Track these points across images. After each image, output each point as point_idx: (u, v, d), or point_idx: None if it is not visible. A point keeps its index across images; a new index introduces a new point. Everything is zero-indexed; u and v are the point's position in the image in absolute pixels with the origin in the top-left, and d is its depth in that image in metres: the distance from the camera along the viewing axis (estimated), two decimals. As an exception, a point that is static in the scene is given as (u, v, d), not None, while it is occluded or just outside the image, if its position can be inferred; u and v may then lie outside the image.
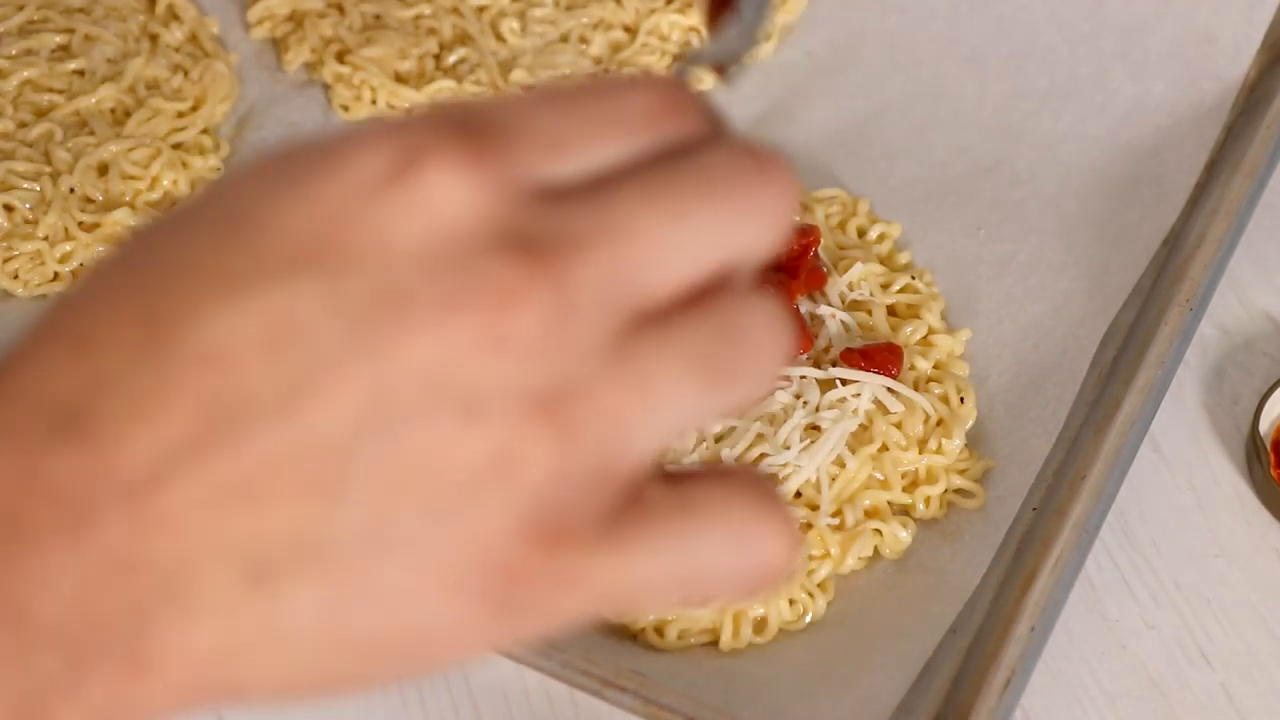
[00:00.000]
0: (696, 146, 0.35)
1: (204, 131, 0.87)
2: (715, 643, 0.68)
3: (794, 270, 0.75)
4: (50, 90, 0.85)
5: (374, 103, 0.88)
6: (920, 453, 0.73)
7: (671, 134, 0.35)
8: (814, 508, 0.70)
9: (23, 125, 0.84)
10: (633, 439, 0.33)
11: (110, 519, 0.31)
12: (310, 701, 0.34)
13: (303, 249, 0.32)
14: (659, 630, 0.68)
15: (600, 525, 0.33)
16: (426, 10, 0.90)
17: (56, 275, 0.80)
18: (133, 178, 0.83)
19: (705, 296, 0.34)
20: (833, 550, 0.70)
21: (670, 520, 0.34)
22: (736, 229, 0.34)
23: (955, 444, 0.73)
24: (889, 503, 0.71)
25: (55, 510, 0.31)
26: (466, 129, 0.33)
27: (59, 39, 0.87)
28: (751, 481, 0.35)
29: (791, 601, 0.69)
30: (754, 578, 0.35)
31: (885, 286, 0.78)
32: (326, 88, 0.90)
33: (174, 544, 0.32)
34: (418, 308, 0.32)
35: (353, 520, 0.32)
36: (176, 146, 0.85)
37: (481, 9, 0.90)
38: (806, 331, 0.74)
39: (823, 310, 0.76)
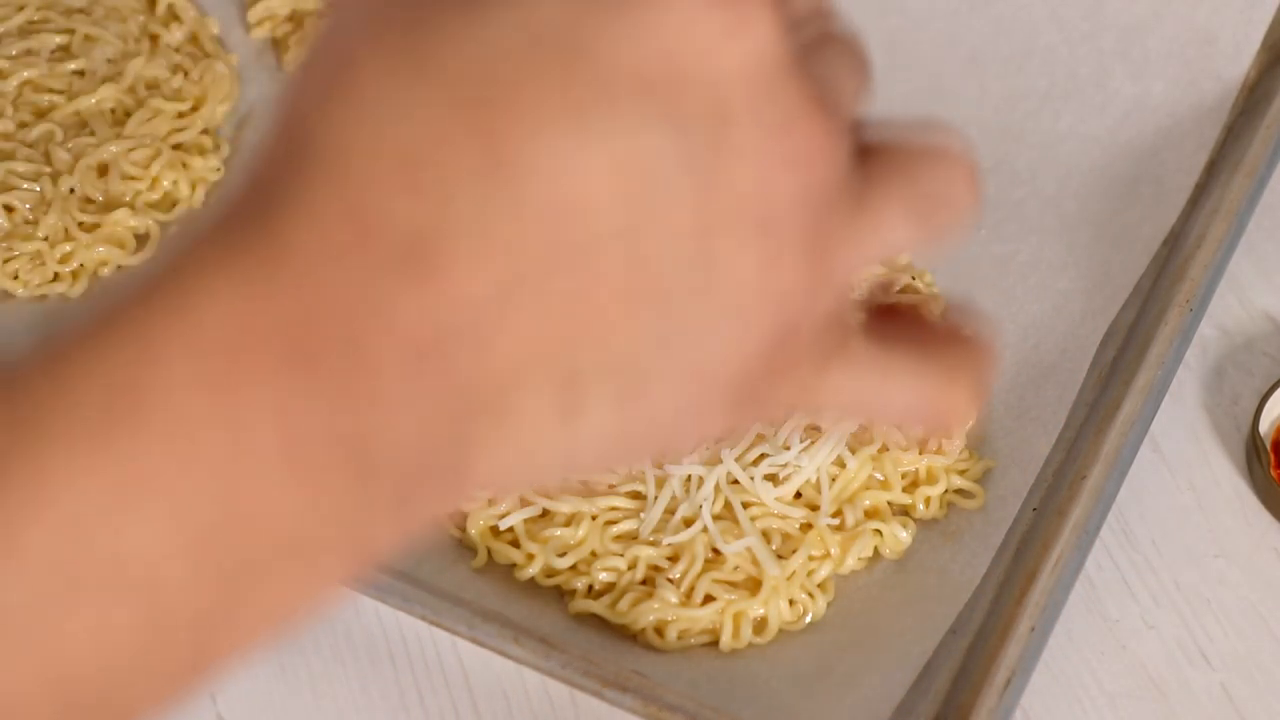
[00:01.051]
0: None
1: (204, 132, 0.87)
2: (715, 643, 0.68)
3: (794, 270, 0.75)
4: (50, 91, 0.85)
5: (374, 103, 0.88)
6: (920, 453, 0.72)
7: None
8: (814, 508, 0.70)
9: (23, 125, 0.84)
10: (858, 281, 0.37)
11: (453, 353, 0.31)
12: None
13: (645, 82, 0.32)
14: (659, 630, 0.68)
15: (820, 359, 0.36)
16: (426, 10, 0.90)
17: (56, 275, 0.81)
18: (133, 178, 0.83)
19: (904, 152, 0.38)
20: (833, 550, 0.70)
21: (868, 375, 0.38)
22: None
23: (955, 444, 0.73)
24: (889, 503, 0.71)
25: (399, 343, 0.31)
26: None
27: (59, 39, 0.87)
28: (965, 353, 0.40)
29: (791, 602, 0.69)
30: (929, 426, 0.40)
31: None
32: (326, 88, 0.90)
33: (507, 370, 0.32)
34: (745, 137, 0.33)
35: (651, 333, 0.33)
36: (177, 147, 0.85)
37: (481, 9, 0.90)
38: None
39: (823, 310, 0.75)
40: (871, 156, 0.37)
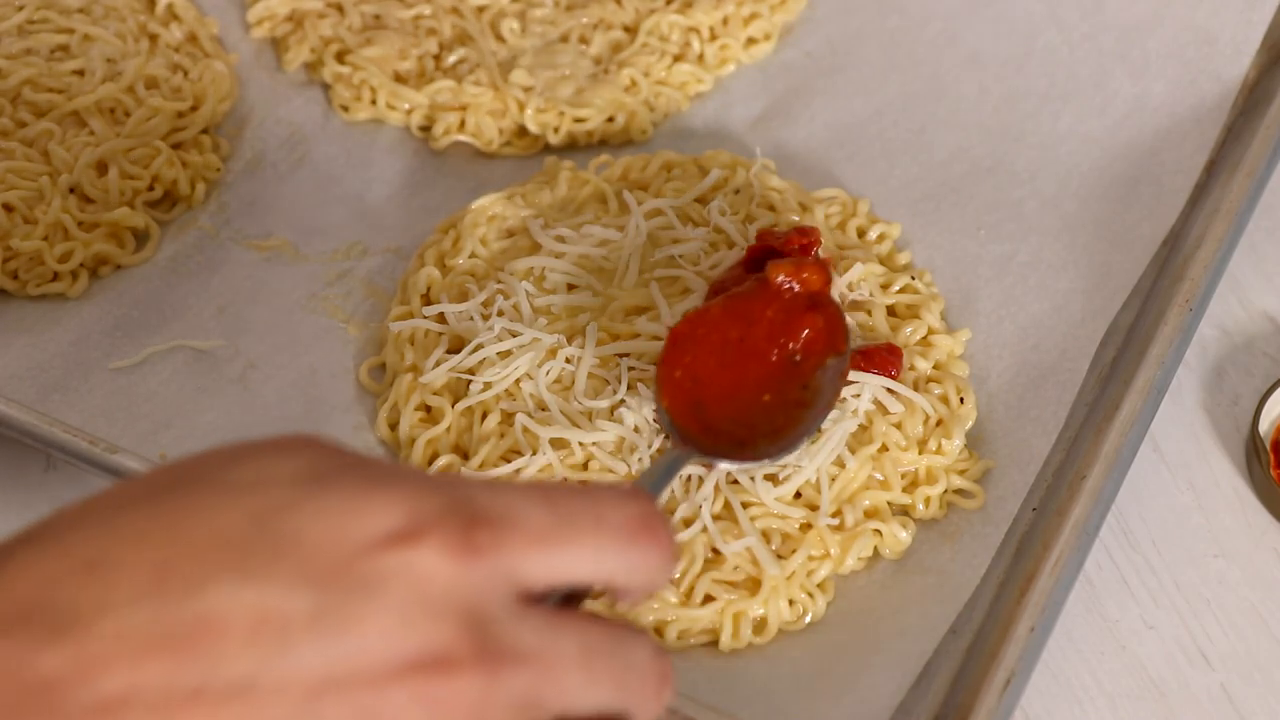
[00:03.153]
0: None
1: (204, 131, 0.87)
2: (715, 643, 0.68)
3: (794, 270, 0.75)
4: (49, 89, 0.85)
5: (374, 103, 0.88)
6: (920, 453, 0.72)
7: (637, 558, 0.44)
8: (814, 508, 0.70)
9: (22, 124, 0.84)
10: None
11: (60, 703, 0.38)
12: None
13: (308, 566, 0.40)
14: (659, 630, 0.68)
15: None
16: (426, 10, 0.90)
17: (56, 275, 0.80)
18: (132, 177, 0.83)
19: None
20: (833, 550, 0.70)
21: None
22: (644, 701, 0.44)
23: (955, 444, 0.73)
24: (889, 503, 0.71)
25: (35, 705, 0.38)
26: (470, 522, 0.42)
27: (58, 38, 0.87)
28: None
29: (791, 602, 0.69)
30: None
31: (885, 287, 0.78)
32: (326, 88, 0.90)
33: None
34: (378, 650, 0.40)
35: None
36: (176, 146, 0.85)
37: (481, 9, 0.90)
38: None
39: (823, 310, 0.75)
40: None
